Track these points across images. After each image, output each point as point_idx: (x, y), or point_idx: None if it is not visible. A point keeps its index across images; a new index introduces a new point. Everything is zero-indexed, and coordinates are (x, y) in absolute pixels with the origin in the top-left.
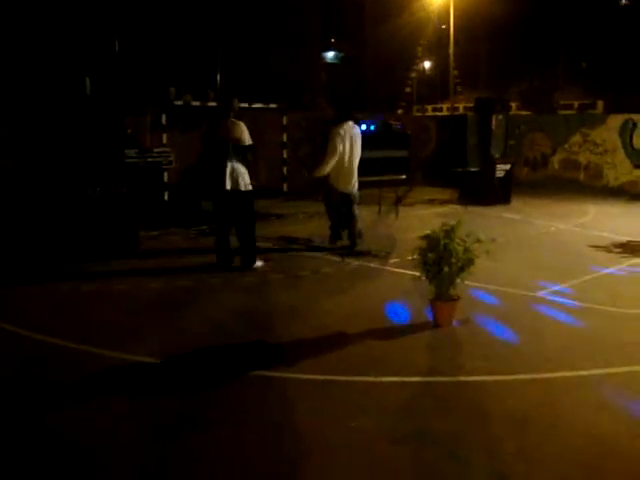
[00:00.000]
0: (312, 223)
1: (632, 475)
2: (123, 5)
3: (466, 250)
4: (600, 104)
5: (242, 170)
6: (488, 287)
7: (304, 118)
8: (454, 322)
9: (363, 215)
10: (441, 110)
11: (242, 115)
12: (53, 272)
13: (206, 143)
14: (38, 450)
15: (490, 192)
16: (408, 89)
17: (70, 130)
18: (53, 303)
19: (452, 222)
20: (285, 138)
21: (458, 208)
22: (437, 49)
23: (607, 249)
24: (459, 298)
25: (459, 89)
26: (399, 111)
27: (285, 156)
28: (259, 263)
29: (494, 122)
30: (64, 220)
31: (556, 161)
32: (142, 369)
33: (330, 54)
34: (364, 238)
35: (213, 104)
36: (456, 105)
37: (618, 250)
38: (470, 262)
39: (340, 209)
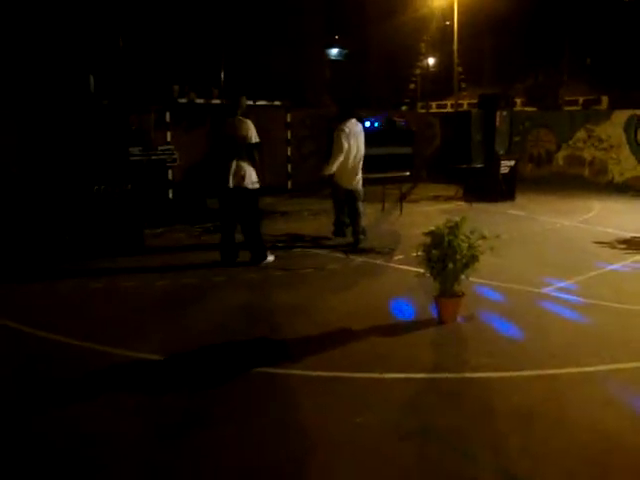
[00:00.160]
0: (317, 220)
1: (637, 470)
2: (127, 3)
3: (470, 246)
4: (605, 100)
5: (248, 168)
6: (492, 283)
7: (308, 115)
8: (459, 318)
9: (367, 212)
10: (445, 107)
11: (247, 113)
12: (58, 269)
13: (213, 141)
14: (40, 448)
15: (494, 189)
16: (412, 86)
17: (75, 128)
18: (57, 300)
19: (456, 218)
20: (289, 135)
21: (462, 205)
22: (441, 45)
23: (612, 245)
24: (464, 294)
25: (463, 85)
26: (403, 108)
27: (289, 153)
28: (271, 258)
29: (498, 118)
30: (69, 218)
31: (561, 157)
32: (146, 366)
33: (334, 51)
34: (368, 235)
35: (217, 102)
36: (460, 101)
37: (623, 246)
38: (474, 258)
39: (344, 206)
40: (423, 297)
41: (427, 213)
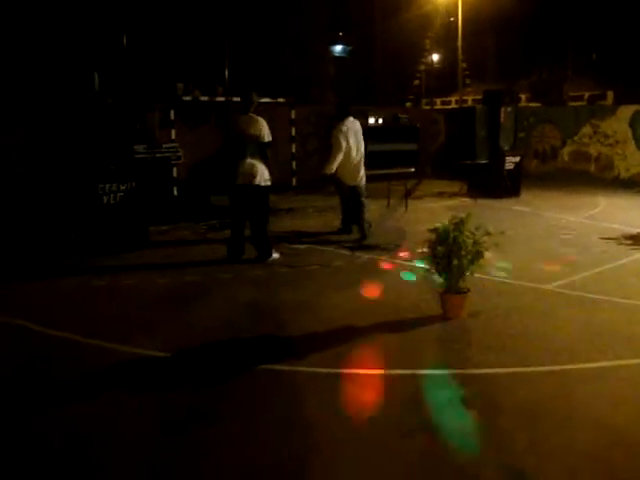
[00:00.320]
0: (322, 217)
1: None
2: (131, 1)
3: (476, 243)
4: (610, 95)
5: (261, 166)
6: (498, 279)
7: (312, 112)
8: (464, 315)
9: (372, 208)
10: (450, 103)
11: (259, 109)
12: (63, 267)
13: (225, 138)
14: (42, 446)
15: (499, 185)
16: (417, 82)
17: (80, 126)
18: (62, 297)
19: (461, 215)
20: (294, 132)
21: (467, 201)
22: (445, 42)
23: (618, 241)
24: (469, 291)
25: (468, 82)
26: (407, 104)
27: (294, 150)
28: (275, 255)
29: (503, 114)
30: (74, 215)
31: (566, 153)
32: (151, 363)
33: (338, 48)
34: (373, 230)
35: (221, 99)
36: (465, 98)
37: (629, 242)
38: (480, 255)
39: (350, 202)
40: (428, 293)
41: (432, 209)
